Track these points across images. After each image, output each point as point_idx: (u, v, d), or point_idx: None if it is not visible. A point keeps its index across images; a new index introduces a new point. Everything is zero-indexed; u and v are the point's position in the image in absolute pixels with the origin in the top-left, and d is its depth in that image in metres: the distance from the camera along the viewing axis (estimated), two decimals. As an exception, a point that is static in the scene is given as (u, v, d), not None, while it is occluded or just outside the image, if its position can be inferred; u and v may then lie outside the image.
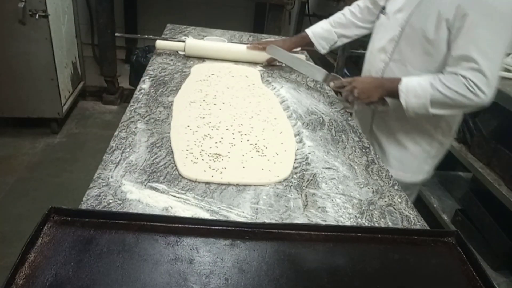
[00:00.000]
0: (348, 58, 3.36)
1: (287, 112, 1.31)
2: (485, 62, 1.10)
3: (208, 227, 0.70)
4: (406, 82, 1.22)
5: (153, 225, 0.69)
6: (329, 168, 1.02)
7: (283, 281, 0.62)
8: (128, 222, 0.69)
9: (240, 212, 0.81)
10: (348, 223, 0.82)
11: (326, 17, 1.69)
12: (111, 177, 0.86)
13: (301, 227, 0.74)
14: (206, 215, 0.78)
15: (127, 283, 0.58)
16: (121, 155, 0.94)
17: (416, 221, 0.86)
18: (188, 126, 1.11)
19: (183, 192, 0.85)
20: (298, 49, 1.90)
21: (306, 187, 0.92)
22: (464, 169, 2.27)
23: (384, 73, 1.35)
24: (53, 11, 2.57)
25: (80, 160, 2.60)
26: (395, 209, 0.89)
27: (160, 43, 1.69)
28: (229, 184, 0.89)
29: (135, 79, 3.16)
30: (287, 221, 0.80)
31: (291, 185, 0.92)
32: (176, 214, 0.77)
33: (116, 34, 3.13)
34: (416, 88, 1.20)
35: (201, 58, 1.70)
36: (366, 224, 0.83)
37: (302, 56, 1.83)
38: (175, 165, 0.93)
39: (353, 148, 1.14)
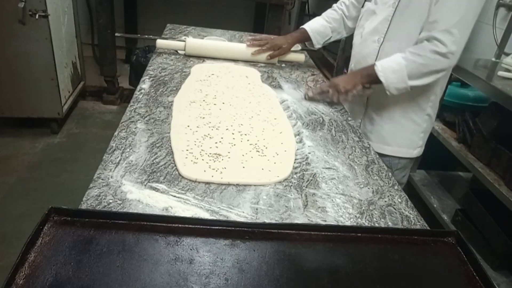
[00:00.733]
0: (348, 58, 3.35)
1: (287, 112, 1.31)
2: (452, 20, 1.19)
3: (208, 227, 0.70)
4: (380, 63, 1.31)
5: (153, 225, 0.69)
6: (329, 168, 1.02)
7: (283, 281, 0.62)
8: (128, 222, 0.69)
9: (240, 212, 0.81)
10: (348, 223, 0.82)
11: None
12: (111, 177, 0.86)
13: (301, 227, 0.74)
14: (206, 215, 0.78)
15: (127, 283, 0.58)
16: (121, 155, 0.94)
17: (416, 221, 0.86)
18: (188, 126, 1.11)
19: (183, 192, 0.85)
20: (298, 48, 1.90)
21: (306, 187, 0.92)
22: (464, 169, 2.27)
23: (378, 55, 1.39)
24: (53, 11, 2.57)
25: (80, 160, 2.60)
26: (395, 209, 0.89)
27: (160, 43, 1.70)
28: (229, 184, 0.89)
29: (135, 79, 3.16)
30: (287, 221, 0.80)
31: (291, 185, 0.92)
32: (176, 214, 0.77)
33: (116, 34, 3.13)
34: (391, 65, 1.29)
35: (201, 58, 1.70)
36: (366, 224, 0.83)
37: (302, 56, 1.83)
38: (175, 165, 0.93)
39: (353, 148, 1.14)
